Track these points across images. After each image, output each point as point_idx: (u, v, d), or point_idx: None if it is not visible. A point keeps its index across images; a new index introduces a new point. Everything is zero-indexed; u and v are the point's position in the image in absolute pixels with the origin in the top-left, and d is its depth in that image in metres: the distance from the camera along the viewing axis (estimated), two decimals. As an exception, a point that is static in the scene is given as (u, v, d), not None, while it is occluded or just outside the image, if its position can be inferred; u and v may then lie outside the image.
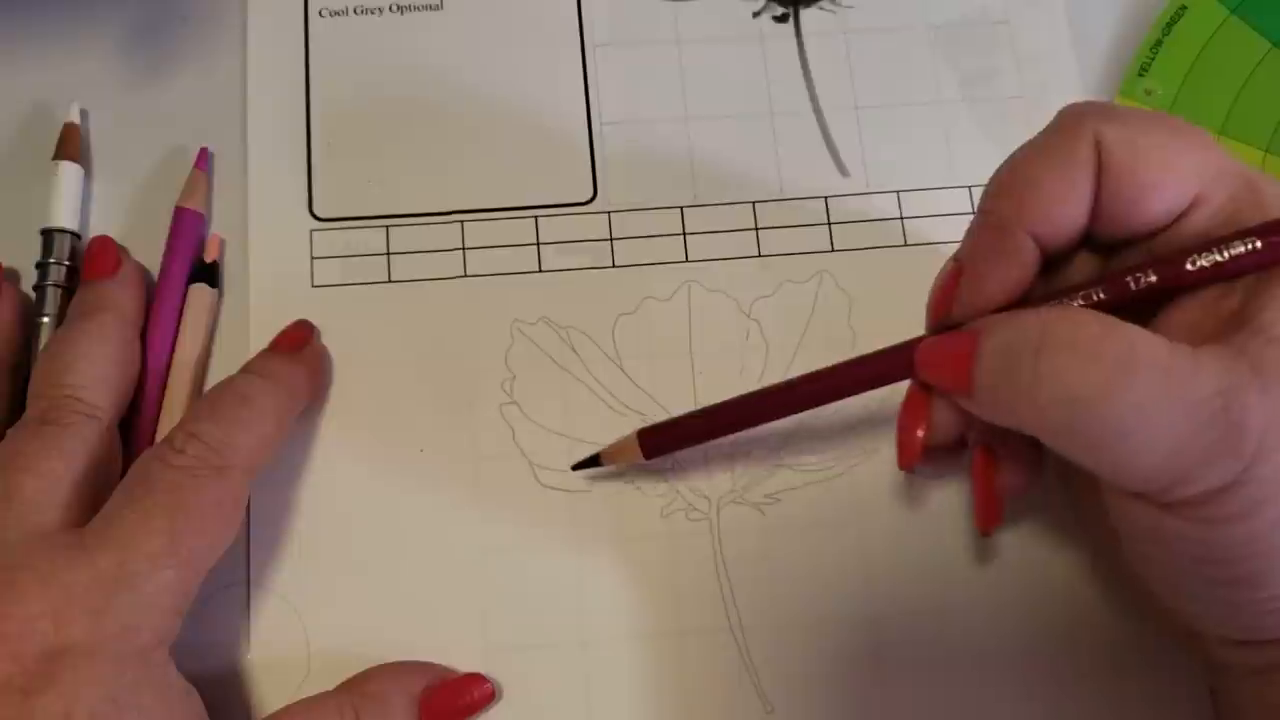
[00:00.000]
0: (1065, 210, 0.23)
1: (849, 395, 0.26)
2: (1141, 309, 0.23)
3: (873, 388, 0.25)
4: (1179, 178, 0.22)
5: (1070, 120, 0.23)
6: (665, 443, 0.28)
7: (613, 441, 0.28)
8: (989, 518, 0.26)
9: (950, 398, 0.24)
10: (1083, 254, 0.25)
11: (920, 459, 0.25)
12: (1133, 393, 0.19)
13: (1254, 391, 0.19)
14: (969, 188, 0.32)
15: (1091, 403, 0.20)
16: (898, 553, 0.29)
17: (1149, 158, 0.22)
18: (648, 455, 0.28)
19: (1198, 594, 0.22)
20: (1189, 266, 0.22)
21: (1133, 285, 0.22)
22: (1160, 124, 0.23)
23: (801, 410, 0.26)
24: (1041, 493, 0.29)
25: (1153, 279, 0.22)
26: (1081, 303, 0.23)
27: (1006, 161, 0.24)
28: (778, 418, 0.27)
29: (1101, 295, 0.23)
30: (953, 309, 0.24)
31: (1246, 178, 0.23)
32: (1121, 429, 0.20)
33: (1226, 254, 0.22)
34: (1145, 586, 0.24)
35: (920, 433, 0.24)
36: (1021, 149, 0.24)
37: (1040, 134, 0.24)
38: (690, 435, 0.28)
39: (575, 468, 0.29)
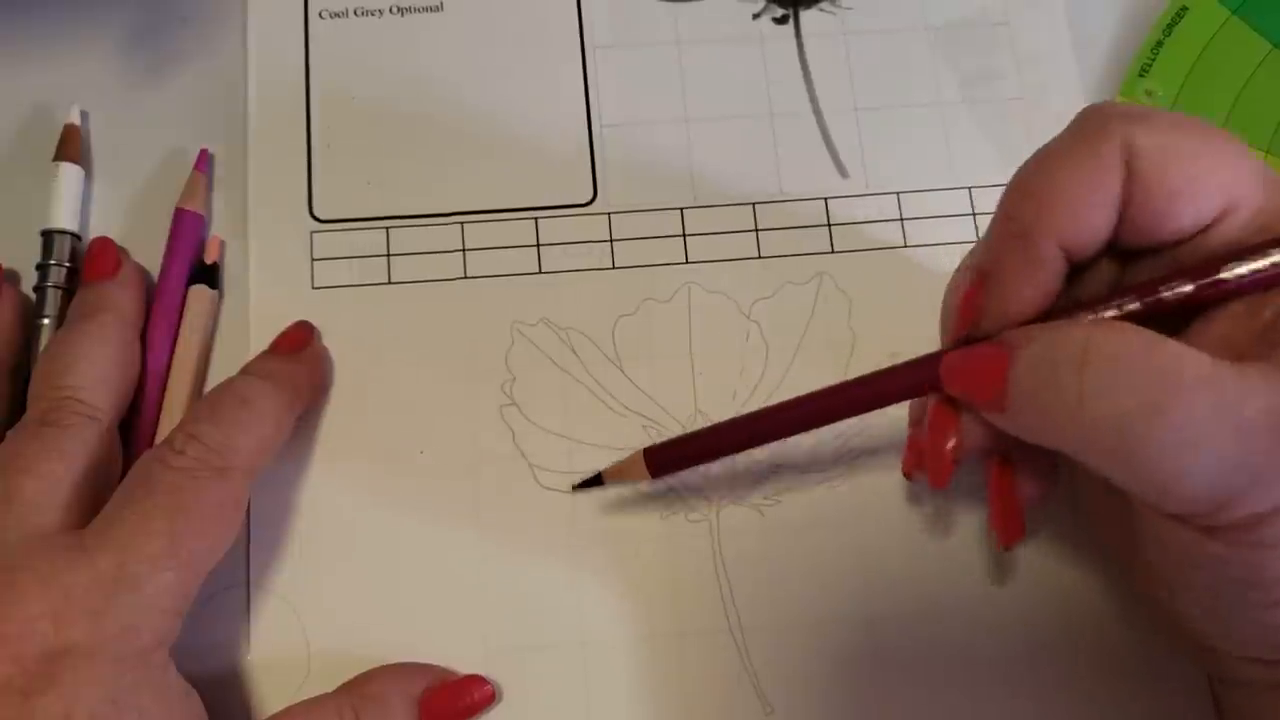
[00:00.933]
0: (1092, 218, 0.22)
1: (862, 412, 0.25)
2: (1167, 322, 0.22)
3: (888, 404, 0.25)
4: (1210, 186, 0.21)
5: (1096, 122, 0.22)
6: (671, 461, 0.27)
7: (617, 461, 0.28)
8: (1011, 532, 0.25)
9: (977, 413, 0.23)
10: (1102, 260, 0.24)
11: (952, 475, 0.24)
12: (1181, 411, 0.18)
13: None
14: (969, 189, 0.32)
15: (1139, 421, 0.19)
16: (897, 554, 0.29)
17: (1180, 165, 0.21)
18: (654, 474, 0.27)
19: (1233, 616, 0.21)
20: (1225, 275, 0.21)
21: (1167, 296, 0.21)
22: (1192, 129, 0.22)
23: (811, 428, 0.26)
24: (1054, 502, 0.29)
25: (1187, 289, 0.21)
26: (1114, 313, 0.22)
27: (1029, 164, 0.23)
28: (787, 435, 0.26)
29: (1133, 306, 0.22)
30: (979, 321, 0.23)
31: (1278, 186, 0.22)
32: (1169, 449, 0.19)
33: (1266, 261, 0.20)
34: (1163, 602, 0.23)
35: (950, 447, 0.23)
36: (1045, 151, 0.23)
37: (1064, 136, 0.23)
38: (698, 453, 0.27)
39: (576, 488, 0.29)
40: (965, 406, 0.23)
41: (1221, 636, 0.22)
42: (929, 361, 0.24)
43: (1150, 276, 0.22)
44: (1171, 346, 0.19)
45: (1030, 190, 0.23)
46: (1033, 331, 0.22)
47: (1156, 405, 0.19)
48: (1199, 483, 0.19)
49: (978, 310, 0.23)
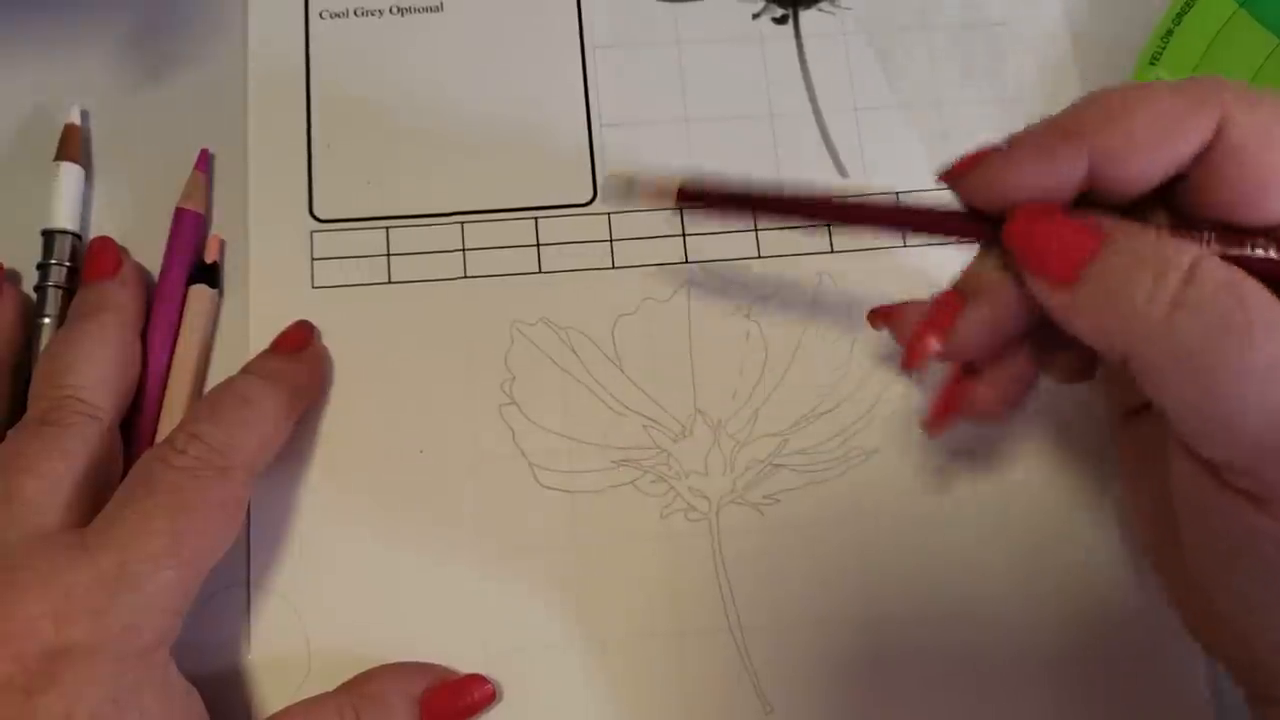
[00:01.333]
0: (1140, 160, 0.21)
1: (897, 230, 0.24)
2: None
3: (923, 233, 0.24)
4: None
5: (1202, 87, 0.21)
6: (700, 196, 0.26)
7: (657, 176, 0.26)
8: (939, 419, 0.24)
9: (1025, 283, 0.22)
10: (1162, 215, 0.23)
11: (923, 365, 0.23)
12: (1268, 352, 0.18)
13: None
14: (969, 189, 0.32)
15: (1228, 344, 0.18)
16: (897, 553, 0.29)
17: (1275, 153, 0.20)
18: (678, 200, 0.26)
19: (1277, 613, 0.21)
20: None
21: (1250, 250, 0.21)
22: None
23: (843, 224, 0.25)
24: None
25: (1272, 254, 0.21)
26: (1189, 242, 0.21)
27: (1112, 86, 0.21)
28: (817, 220, 0.25)
29: (1211, 243, 0.21)
30: (958, 181, 0.22)
31: None
32: (1247, 378, 0.18)
33: None
34: (1203, 607, 0.22)
35: (935, 349, 0.23)
36: (1138, 84, 0.21)
37: (1166, 82, 0.21)
38: (727, 201, 0.25)
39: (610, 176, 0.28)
40: (971, 305, 0.23)
41: (1260, 638, 0.21)
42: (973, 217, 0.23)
43: None
44: (1270, 294, 0.19)
45: (1100, 99, 0.21)
46: (1134, 227, 0.21)
47: (1250, 337, 0.18)
48: (1261, 422, 0.18)
49: (963, 174, 0.22)
